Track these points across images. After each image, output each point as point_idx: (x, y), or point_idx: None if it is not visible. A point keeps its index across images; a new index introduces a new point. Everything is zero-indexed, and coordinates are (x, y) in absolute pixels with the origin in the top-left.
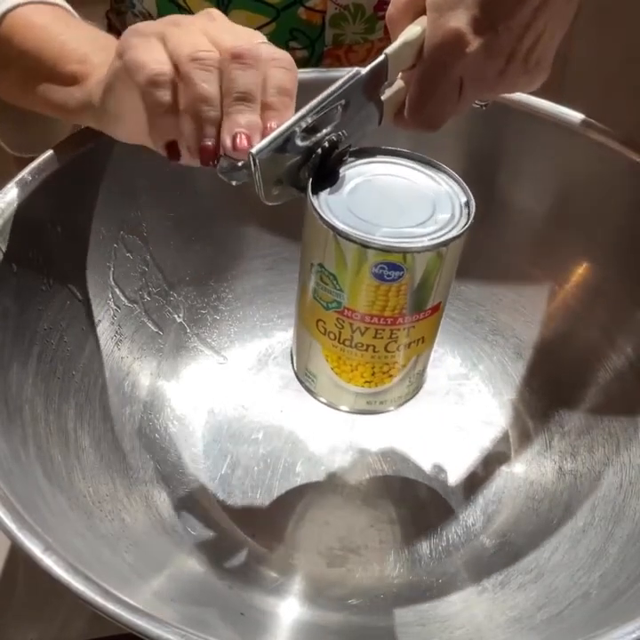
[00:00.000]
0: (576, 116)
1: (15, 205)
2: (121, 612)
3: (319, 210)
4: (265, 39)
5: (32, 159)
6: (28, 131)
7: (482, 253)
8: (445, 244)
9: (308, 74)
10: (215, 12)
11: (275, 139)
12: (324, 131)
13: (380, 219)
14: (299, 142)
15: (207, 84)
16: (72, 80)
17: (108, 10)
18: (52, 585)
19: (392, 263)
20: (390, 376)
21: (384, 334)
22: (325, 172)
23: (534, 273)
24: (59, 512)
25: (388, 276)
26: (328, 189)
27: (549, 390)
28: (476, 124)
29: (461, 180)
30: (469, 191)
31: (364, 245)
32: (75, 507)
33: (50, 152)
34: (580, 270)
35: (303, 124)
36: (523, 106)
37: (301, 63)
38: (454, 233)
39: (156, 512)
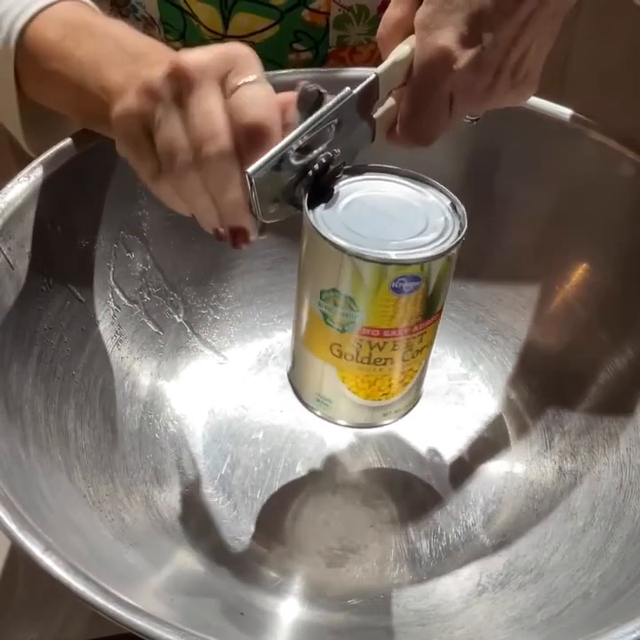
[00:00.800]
0: (576, 116)
1: (15, 205)
2: (121, 612)
3: (329, 237)
4: (255, 72)
5: (32, 159)
6: (51, 134)
7: (482, 253)
8: (454, 247)
9: (312, 74)
10: (184, 65)
11: (270, 159)
12: (318, 149)
13: (384, 234)
14: (293, 161)
15: (191, 188)
16: (98, 105)
17: (107, 12)
18: (52, 585)
19: (411, 275)
20: (405, 384)
21: (400, 345)
22: (320, 191)
23: (534, 273)
24: (59, 512)
25: (407, 288)
26: (325, 210)
27: (549, 390)
28: (477, 124)
29: (444, 188)
30: (454, 196)
31: (384, 263)
32: (75, 507)
33: (50, 152)
34: (580, 270)
35: (297, 144)
36: (523, 106)
37: (305, 65)
38: (455, 236)
39: (155, 512)
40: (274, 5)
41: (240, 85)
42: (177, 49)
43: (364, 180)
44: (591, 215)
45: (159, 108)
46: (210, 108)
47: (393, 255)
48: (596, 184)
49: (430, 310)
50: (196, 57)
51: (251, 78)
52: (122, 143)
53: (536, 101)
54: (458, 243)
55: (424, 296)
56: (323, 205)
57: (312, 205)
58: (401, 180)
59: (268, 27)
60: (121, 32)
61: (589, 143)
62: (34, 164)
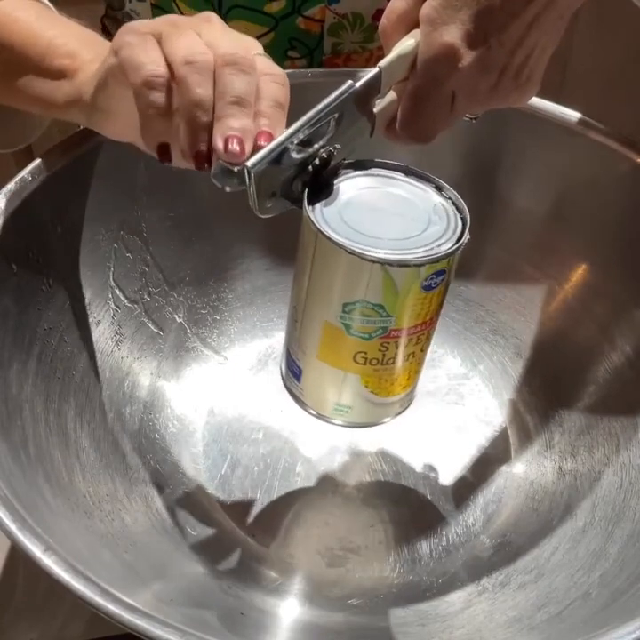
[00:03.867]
0: (576, 116)
1: (15, 205)
2: (121, 612)
3: (354, 249)
4: (262, 50)
5: (32, 159)
6: (7, 127)
7: (482, 253)
8: (467, 236)
9: (311, 74)
10: (214, 16)
11: (270, 152)
12: (318, 144)
13: (395, 233)
14: (294, 155)
15: (201, 89)
16: (60, 74)
17: (103, 15)
18: (52, 585)
19: (439, 271)
20: (417, 372)
21: (422, 337)
22: (319, 190)
23: (534, 273)
24: (59, 512)
25: (435, 283)
26: (330, 215)
27: (549, 390)
28: (476, 124)
29: (436, 179)
30: (450, 188)
31: (418, 265)
32: (75, 507)
33: (50, 153)
34: (580, 270)
35: (298, 138)
36: (523, 106)
37: None
38: (460, 224)
39: (155, 512)
40: (268, 13)
41: (257, 53)
42: None
43: (358, 176)
44: (591, 215)
45: (181, 28)
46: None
47: (421, 254)
48: (596, 184)
49: (445, 298)
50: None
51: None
52: (134, 29)
53: (536, 101)
54: (467, 232)
55: (445, 287)
56: (328, 212)
57: (315, 210)
58: (393, 174)
59: (262, 34)
60: (96, 35)
61: (589, 143)
62: (34, 163)
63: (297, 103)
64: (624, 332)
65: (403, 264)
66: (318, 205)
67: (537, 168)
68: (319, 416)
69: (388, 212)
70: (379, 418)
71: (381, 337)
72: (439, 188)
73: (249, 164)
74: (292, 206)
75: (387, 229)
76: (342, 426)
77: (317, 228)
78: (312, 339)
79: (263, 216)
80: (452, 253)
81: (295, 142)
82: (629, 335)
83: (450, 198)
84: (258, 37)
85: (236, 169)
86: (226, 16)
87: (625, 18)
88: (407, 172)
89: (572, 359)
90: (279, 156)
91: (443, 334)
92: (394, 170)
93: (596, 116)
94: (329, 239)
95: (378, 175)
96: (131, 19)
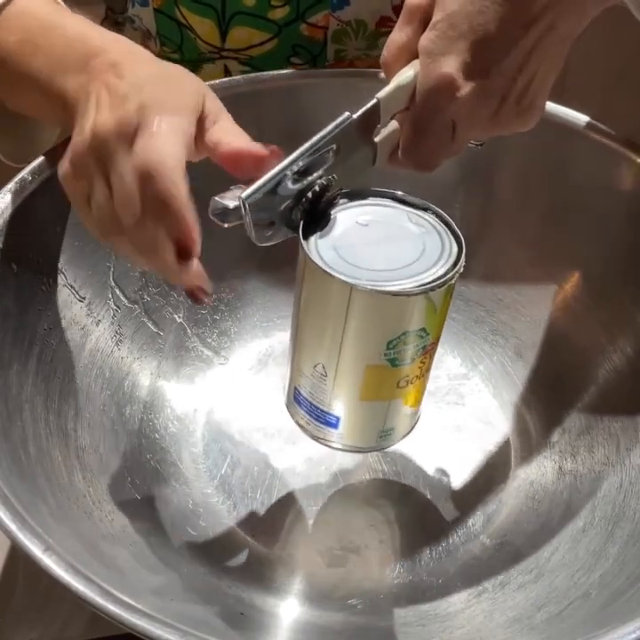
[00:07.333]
0: (576, 116)
1: (15, 205)
2: (121, 612)
3: (402, 288)
4: (153, 125)
5: (31, 160)
6: (25, 140)
7: (482, 254)
8: (462, 238)
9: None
10: (102, 141)
11: (265, 183)
12: (315, 174)
13: (411, 257)
14: (291, 185)
15: (127, 251)
16: (64, 112)
17: (103, 18)
18: (52, 585)
19: (457, 278)
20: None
21: (439, 340)
22: (315, 223)
23: (534, 273)
24: (59, 512)
25: (454, 290)
26: (333, 255)
27: (549, 390)
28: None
29: (425, 203)
30: (438, 210)
31: (450, 279)
32: (75, 507)
33: (50, 152)
34: (580, 270)
35: (293, 169)
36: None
37: None
38: (451, 230)
39: (156, 512)
40: (272, 19)
41: (140, 142)
42: (174, 61)
43: (351, 207)
44: (591, 215)
45: (88, 178)
46: (121, 177)
47: (447, 269)
48: (595, 185)
49: None
50: (103, 123)
51: (153, 129)
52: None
53: None
54: (459, 231)
55: None
56: (333, 256)
57: (333, 265)
58: (392, 204)
59: (265, 40)
60: (74, 32)
61: (589, 143)
62: (34, 163)
63: (304, 103)
64: (624, 332)
65: (441, 285)
66: (336, 259)
67: (537, 168)
68: (360, 450)
69: (386, 242)
70: (411, 426)
71: (421, 355)
72: (405, 203)
73: (243, 196)
74: (293, 234)
75: (399, 258)
76: (381, 450)
77: (352, 285)
78: (352, 385)
79: (262, 245)
80: (463, 262)
81: (292, 172)
82: (630, 335)
83: (417, 206)
84: (261, 44)
85: (231, 206)
86: (229, 22)
87: (625, 18)
88: (394, 198)
89: (572, 359)
90: (275, 186)
91: (443, 334)
92: (381, 197)
93: (596, 116)
94: (368, 291)
95: (365, 205)
96: (132, 22)
